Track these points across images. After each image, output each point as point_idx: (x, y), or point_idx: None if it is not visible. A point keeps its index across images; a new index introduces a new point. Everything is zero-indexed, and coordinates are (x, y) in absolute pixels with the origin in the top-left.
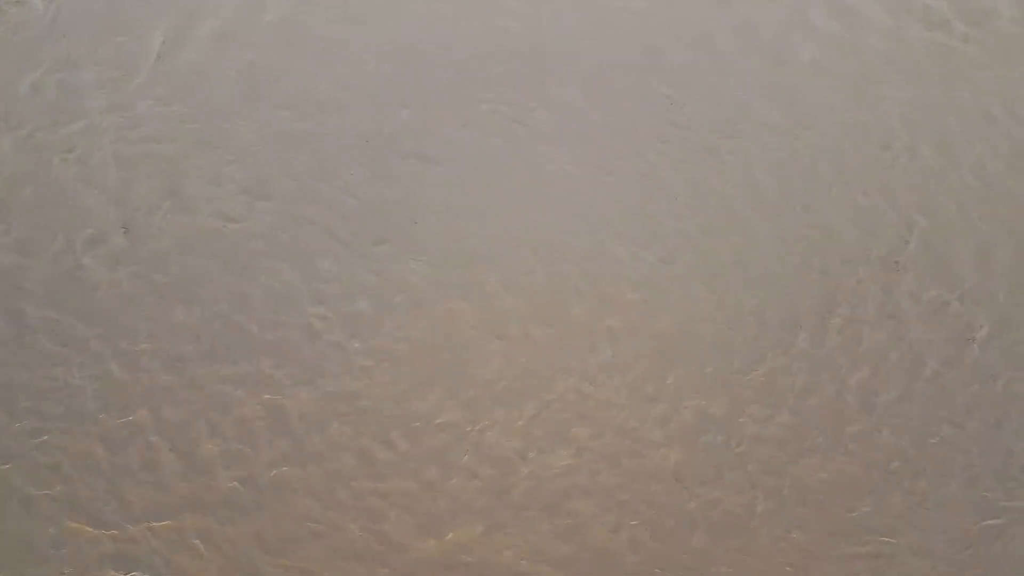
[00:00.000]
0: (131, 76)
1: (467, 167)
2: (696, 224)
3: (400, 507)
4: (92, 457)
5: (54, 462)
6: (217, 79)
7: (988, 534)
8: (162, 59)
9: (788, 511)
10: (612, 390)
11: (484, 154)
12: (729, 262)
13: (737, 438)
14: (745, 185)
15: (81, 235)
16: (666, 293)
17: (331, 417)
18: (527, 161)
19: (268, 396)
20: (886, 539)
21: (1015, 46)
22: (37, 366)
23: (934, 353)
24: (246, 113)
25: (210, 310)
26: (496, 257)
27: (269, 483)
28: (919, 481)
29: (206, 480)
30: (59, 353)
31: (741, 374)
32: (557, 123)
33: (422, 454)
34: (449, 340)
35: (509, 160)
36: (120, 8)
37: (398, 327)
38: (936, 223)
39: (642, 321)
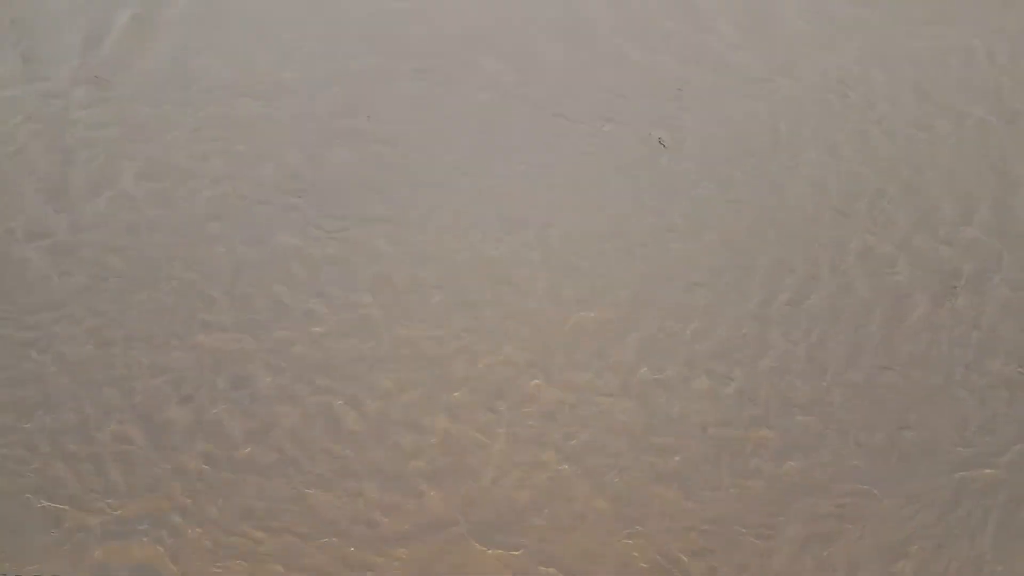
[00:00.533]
0: (67, 63)
1: (426, 133)
2: (665, 181)
3: (374, 477)
4: (66, 444)
5: (30, 448)
6: (159, 64)
7: (965, 486)
8: (99, 46)
9: (749, 465)
10: (576, 357)
11: (444, 117)
12: (700, 217)
13: (704, 397)
14: (719, 140)
15: (27, 226)
16: (630, 252)
17: (300, 388)
18: (491, 119)
19: (237, 369)
20: (857, 494)
21: None
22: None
23: (917, 302)
24: (188, 98)
25: (170, 291)
26: (459, 224)
27: (242, 459)
28: (901, 432)
29: (180, 458)
30: (24, 340)
31: (724, 329)
32: (521, 80)
33: (389, 424)
34: (416, 310)
35: (471, 122)
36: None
37: (364, 299)
38: (916, 170)
39: (605, 285)
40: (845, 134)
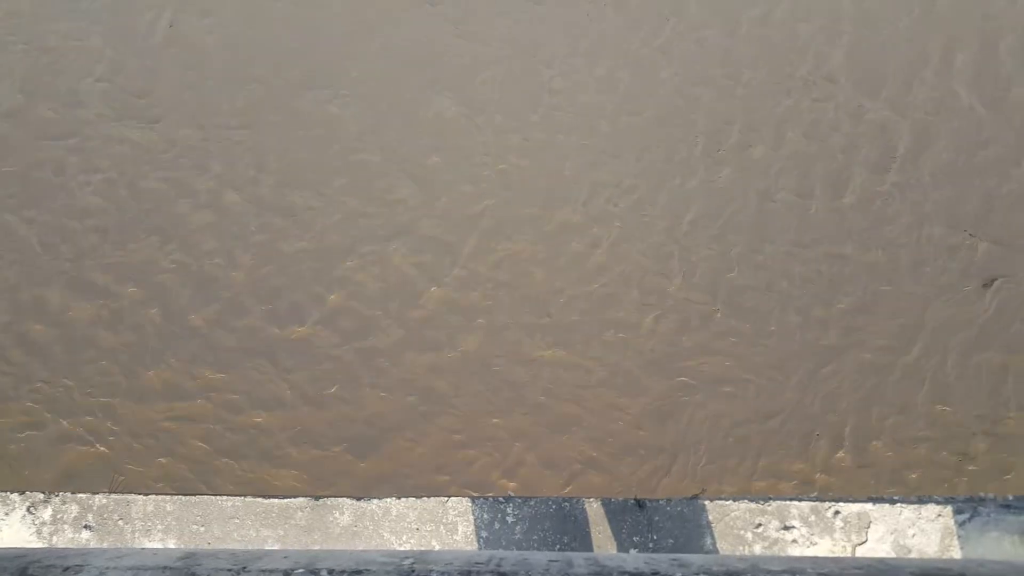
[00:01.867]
0: None
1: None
2: (605, 32)
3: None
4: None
5: None
6: None
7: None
8: None
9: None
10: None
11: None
12: (644, 83)
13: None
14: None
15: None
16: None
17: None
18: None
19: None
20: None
21: None
22: None
23: (859, 169)
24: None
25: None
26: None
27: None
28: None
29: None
30: None
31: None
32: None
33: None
34: (360, 183)
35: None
36: None
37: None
38: (864, 33)
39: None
40: None
